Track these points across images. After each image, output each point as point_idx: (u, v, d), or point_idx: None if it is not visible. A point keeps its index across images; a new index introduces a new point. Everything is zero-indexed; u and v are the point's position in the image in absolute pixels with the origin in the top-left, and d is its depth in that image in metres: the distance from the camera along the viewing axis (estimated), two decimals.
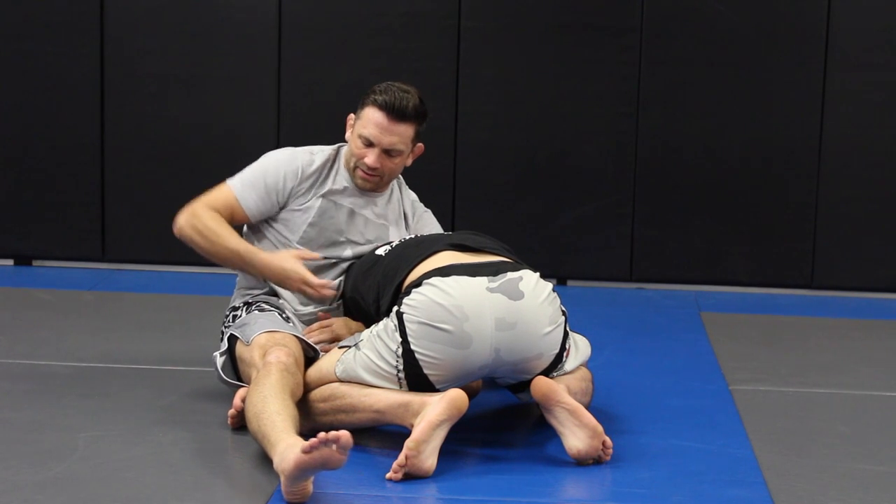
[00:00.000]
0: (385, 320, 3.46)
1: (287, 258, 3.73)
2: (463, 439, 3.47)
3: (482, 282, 3.40)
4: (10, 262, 5.79)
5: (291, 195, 3.83)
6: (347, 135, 3.88)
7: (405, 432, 3.31)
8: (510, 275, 3.44)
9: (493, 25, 5.58)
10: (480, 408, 3.76)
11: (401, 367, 3.38)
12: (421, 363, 3.36)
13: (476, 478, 3.27)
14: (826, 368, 4.43)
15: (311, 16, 5.61)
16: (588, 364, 3.70)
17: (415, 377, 3.38)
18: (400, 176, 3.97)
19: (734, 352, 4.60)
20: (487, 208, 5.68)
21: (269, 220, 3.86)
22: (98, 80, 5.64)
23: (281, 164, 3.86)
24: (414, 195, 4.04)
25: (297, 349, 3.54)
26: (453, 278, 3.40)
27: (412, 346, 3.36)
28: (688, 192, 5.65)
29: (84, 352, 4.31)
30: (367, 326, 3.63)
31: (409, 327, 3.36)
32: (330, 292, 3.71)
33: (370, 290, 3.65)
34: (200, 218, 3.76)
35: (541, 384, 3.37)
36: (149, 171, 5.70)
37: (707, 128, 5.62)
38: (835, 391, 4.15)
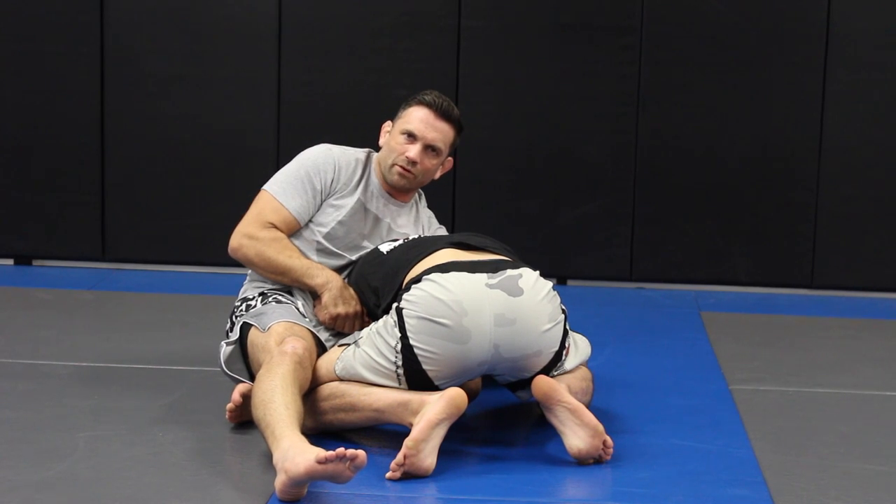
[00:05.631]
0: (385, 317, 3.46)
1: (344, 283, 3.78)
2: (463, 439, 3.48)
3: (481, 278, 3.41)
4: (10, 262, 5.79)
5: (332, 192, 3.84)
6: (382, 140, 3.90)
7: (404, 431, 3.31)
8: (510, 272, 3.44)
9: (493, 25, 5.58)
10: (480, 407, 3.76)
11: (400, 364, 3.38)
12: (420, 358, 3.36)
13: (476, 477, 3.27)
14: (826, 368, 4.43)
15: (311, 16, 5.61)
16: (588, 363, 3.71)
17: (414, 374, 3.38)
18: (421, 190, 3.99)
19: (734, 352, 4.59)
20: (487, 208, 5.68)
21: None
22: (98, 80, 5.64)
23: (321, 162, 3.86)
24: (431, 212, 4.06)
25: (311, 344, 3.56)
26: (453, 274, 3.41)
27: (411, 341, 3.36)
28: (688, 192, 5.65)
29: (84, 352, 4.31)
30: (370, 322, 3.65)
31: (409, 322, 3.36)
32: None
33: (371, 288, 3.65)
34: (258, 238, 3.77)
35: (542, 383, 3.37)
36: (149, 171, 5.69)
37: (707, 128, 5.62)
38: (835, 391, 4.15)
